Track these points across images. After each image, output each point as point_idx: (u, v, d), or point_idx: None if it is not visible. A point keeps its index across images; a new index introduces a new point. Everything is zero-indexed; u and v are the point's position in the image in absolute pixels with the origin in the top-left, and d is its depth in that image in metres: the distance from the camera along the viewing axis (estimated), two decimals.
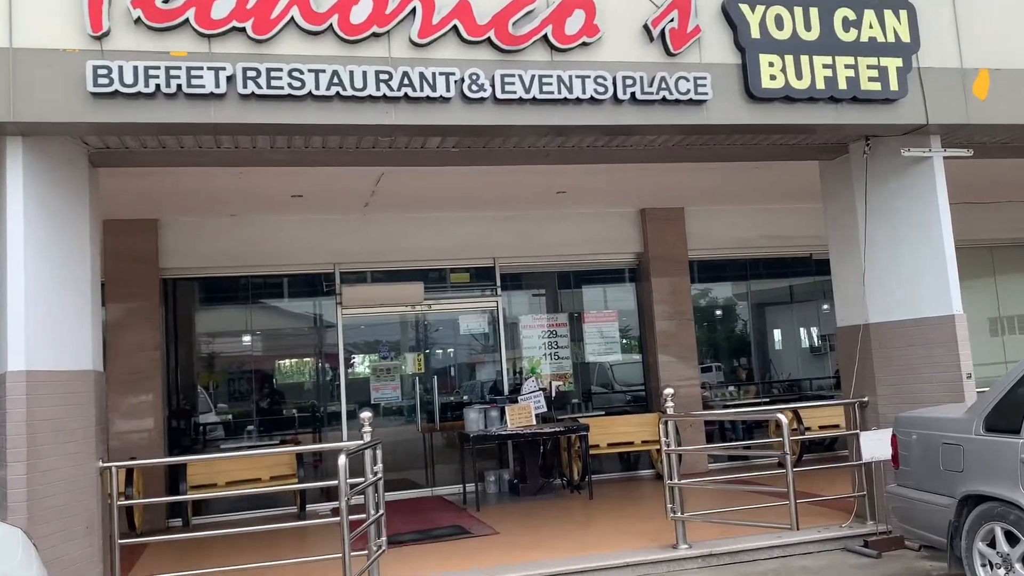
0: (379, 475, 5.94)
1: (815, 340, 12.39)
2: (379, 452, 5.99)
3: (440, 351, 10.74)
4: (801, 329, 12.56)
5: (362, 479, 5.82)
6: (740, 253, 11.32)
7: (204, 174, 7.64)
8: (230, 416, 10.59)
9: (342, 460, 5.12)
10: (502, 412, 9.38)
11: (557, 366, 10.58)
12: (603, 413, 10.83)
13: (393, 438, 10.31)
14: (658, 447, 10.11)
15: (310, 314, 10.37)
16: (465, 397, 10.58)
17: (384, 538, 5.92)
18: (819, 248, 11.75)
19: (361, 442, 5.81)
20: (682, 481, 6.56)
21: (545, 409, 9.56)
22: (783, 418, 5.84)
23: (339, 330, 9.90)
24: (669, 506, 6.45)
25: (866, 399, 6.86)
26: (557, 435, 9.08)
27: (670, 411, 6.62)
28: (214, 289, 10.32)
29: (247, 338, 10.36)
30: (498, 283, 10.46)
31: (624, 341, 11.01)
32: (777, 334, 12.48)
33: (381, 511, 5.93)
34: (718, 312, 12.06)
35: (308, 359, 10.60)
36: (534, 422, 9.31)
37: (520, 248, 10.39)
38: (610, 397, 11.22)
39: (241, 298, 10.23)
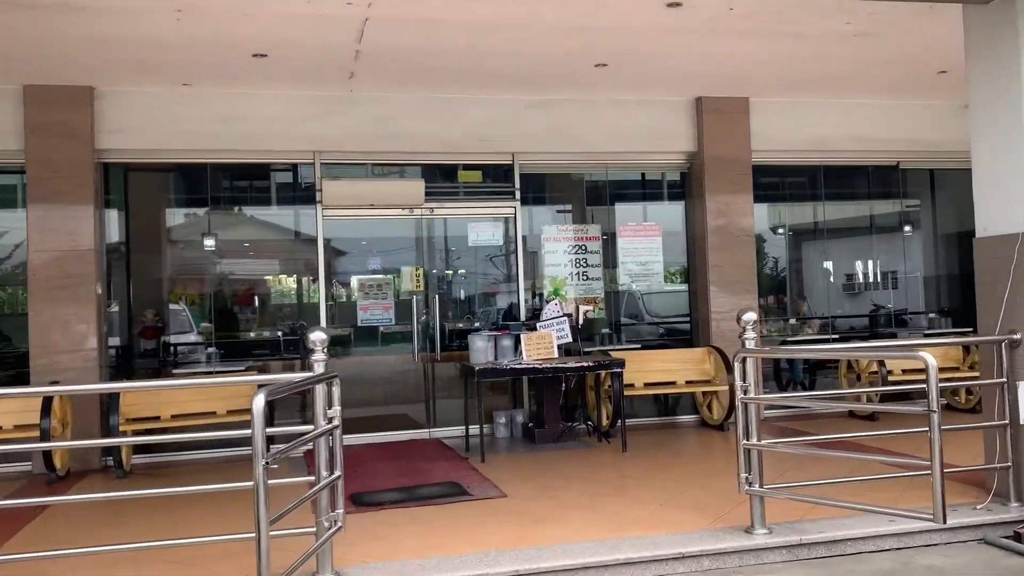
0: (335, 422, 4.17)
1: (902, 270, 10.39)
2: (336, 390, 4.21)
3: (443, 267, 8.89)
4: (877, 259, 10.55)
5: (312, 428, 4.07)
6: (815, 158, 9.27)
7: (138, 15, 5.75)
8: (199, 337, 8.94)
9: (258, 403, 3.32)
10: (517, 341, 7.57)
11: (585, 289, 8.71)
12: (639, 347, 9.01)
13: (386, 369, 8.58)
14: (705, 389, 8.33)
15: (286, 213, 8.55)
16: (476, 324, 8.78)
17: (340, 511, 4.17)
18: (911, 155, 9.84)
19: (299, 376, 4.01)
20: (763, 443, 4.74)
21: (570, 339, 7.74)
22: (930, 359, 3.95)
23: (319, 236, 8.06)
24: (744, 476, 4.64)
25: (1018, 336, 4.96)
26: (586, 371, 7.25)
27: (750, 344, 4.75)
28: (167, 179, 8.49)
29: (209, 243, 8.55)
30: (517, 185, 8.53)
31: (667, 262, 9.10)
32: (848, 264, 10.48)
33: (337, 473, 4.17)
34: (779, 230, 10.07)
35: (283, 273, 8.82)
36: (556, 355, 7.50)
37: (545, 142, 8.42)
38: (643, 330, 9.36)
39: (199, 193, 8.41)
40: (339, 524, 4.14)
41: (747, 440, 4.65)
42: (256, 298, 9.26)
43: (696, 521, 4.91)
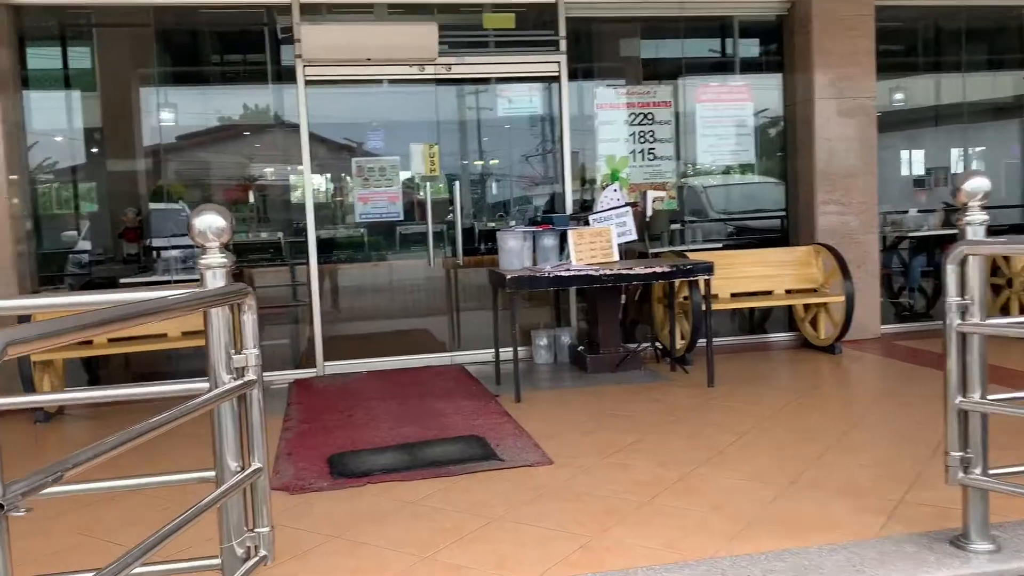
0: (249, 376, 2.34)
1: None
2: (251, 316, 2.37)
3: (465, 144, 6.90)
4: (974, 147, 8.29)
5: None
6: None
7: None
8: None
9: None
10: (563, 241, 5.66)
11: (651, 172, 6.69)
12: (720, 247, 7.03)
13: (395, 277, 6.75)
14: (814, 300, 6.38)
15: (257, 71, 6.60)
16: (512, 223, 6.86)
17: (264, 529, 2.37)
18: None
19: (154, 296, 2.14)
20: (998, 401, 2.80)
21: (633, 236, 5.80)
22: None
23: (300, 102, 6.11)
24: (956, 455, 2.74)
25: None
26: (664, 279, 5.32)
27: (977, 232, 2.74)
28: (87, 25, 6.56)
29: (166, 117, 6.67)
30: (562, 33, 6.43)
31: (757, 138, 7.00)
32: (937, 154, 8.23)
33: (255, 466, 2.36)
34: (897, 96, 7.84)
35: (257, 158, 6.93)
36: (616, 257, 5.57)
37: None
38: (710, 229, 7.32)
39: (139, 45, 6.47)
40: (262, 553, 2.35)
41: (966, 396, 2.72)
42: (252, 194, 7.47)
43: (857, 520, 3.06)
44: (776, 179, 7.33)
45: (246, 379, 2.33)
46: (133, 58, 6.67)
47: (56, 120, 6.82)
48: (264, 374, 2.45)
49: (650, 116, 6.65)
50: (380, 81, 6.47)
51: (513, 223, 6.59)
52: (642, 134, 6.64)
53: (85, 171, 6.98)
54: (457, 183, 6.46)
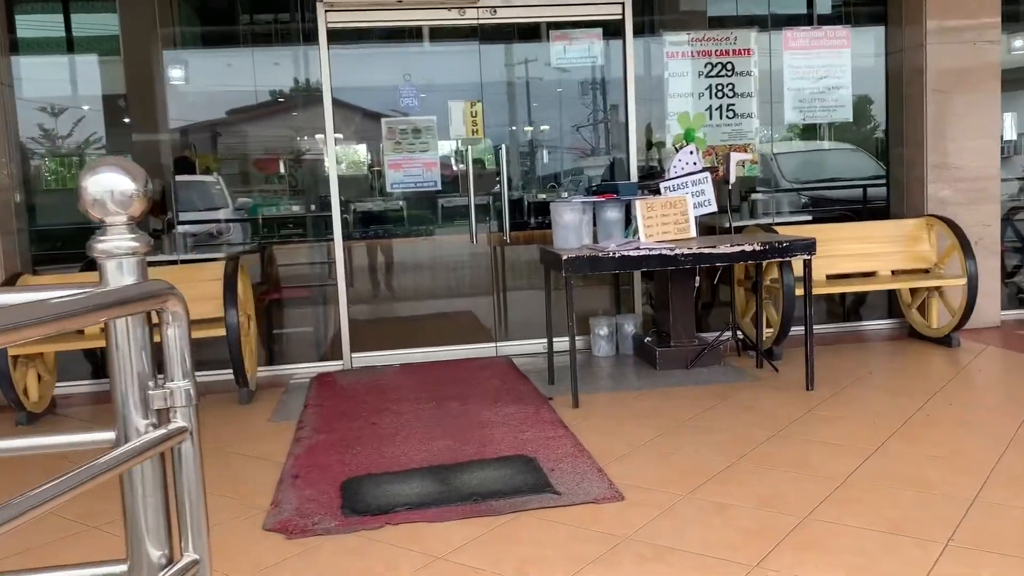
0: (182, 418, 1.52)
1: None
2: (180, 331, 1.54)
3: (512, 101, 6.00)
4: None
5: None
6: None
7: None
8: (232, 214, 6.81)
9: None
10: (627, 214, 4.76)
11: (732, 132, 5.71)
12: (810, 220, 6.05)
13: (432, 255, 5.95)
14: (926, 283, 5.38)
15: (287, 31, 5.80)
16: (564, 193, 5.99)
17: None
18: None
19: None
20: None
21: (713, 208, 4.87)
22: None
23: (323, 54, 5.29)
24: None
25: None
26: (754, 259, 4.37)
27: None
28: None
29: (178, 74, 5.93)
30: None
31: (852, 93, 5.96)
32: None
33: (191, 556, 1.54)
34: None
35: (289, 125, 6.15)
36: (694, 233, 4.65)
37: None
38: (782, 200, 6.31)
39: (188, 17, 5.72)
40: None
41: None
42: (281, 164, 6.77)
43: None
44: (875, 140, 6.31)
45: (172, 427, 1.51)
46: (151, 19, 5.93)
47: (71, 86, 6.15)
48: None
49: (729, 67, 5.66)
50: (414, 33, 5.60)
51: (565, 193, 5.70)
52: (719, 88, 5.66)
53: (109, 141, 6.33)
54: (504, 148, 5.57)
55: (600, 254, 4.22)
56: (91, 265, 4.89)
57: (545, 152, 6.26)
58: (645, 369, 5.03)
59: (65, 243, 6.05)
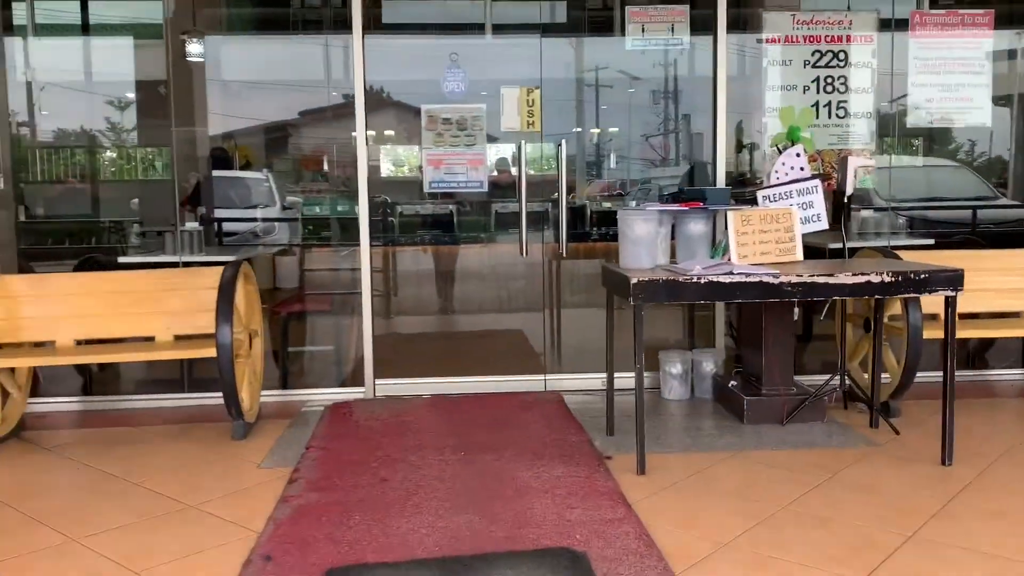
0: None
1: None
2: None
3: (573, 92, 5.10)
4: None
5: None
6: None
7: None
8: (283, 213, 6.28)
9: None
10: (712, 232, 3.82)
11: (841, 134, 4.71)
12: (931, 244, 5.01)
13: (475, 267, 5.11)
14: None
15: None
16: (633, 203, 5.09)
17: None
18: None
19: None
20: None
21: (824, 225, 3.88)
22: None
23: (355, 43, 4.49)
24: None
25: None
26: (884, 294, 3.35)
27: None
28: None
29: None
30: None
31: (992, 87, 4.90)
32: None
33: None
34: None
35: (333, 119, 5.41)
36: (800, 256, 3.68)
37: None
38: (879, 221, 5.24)
39: None
40: None
41: None
42: (326, 161, 6.12)
43: None
44: (987, 155, 5.25)
45: None
46: None
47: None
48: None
49: (841, 56, 4.67)
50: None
51: (633, 203, 4.78)
52: (828, 81, 4.67)
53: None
54: (563, 144, 4.67)
55: (681, 278, 3.28)
56: (86, 264, 4.03)
57: (612, 155, 5.36)
58: (728, 421, 4.06)
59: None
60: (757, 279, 3.26)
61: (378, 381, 4.66)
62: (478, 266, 5.24)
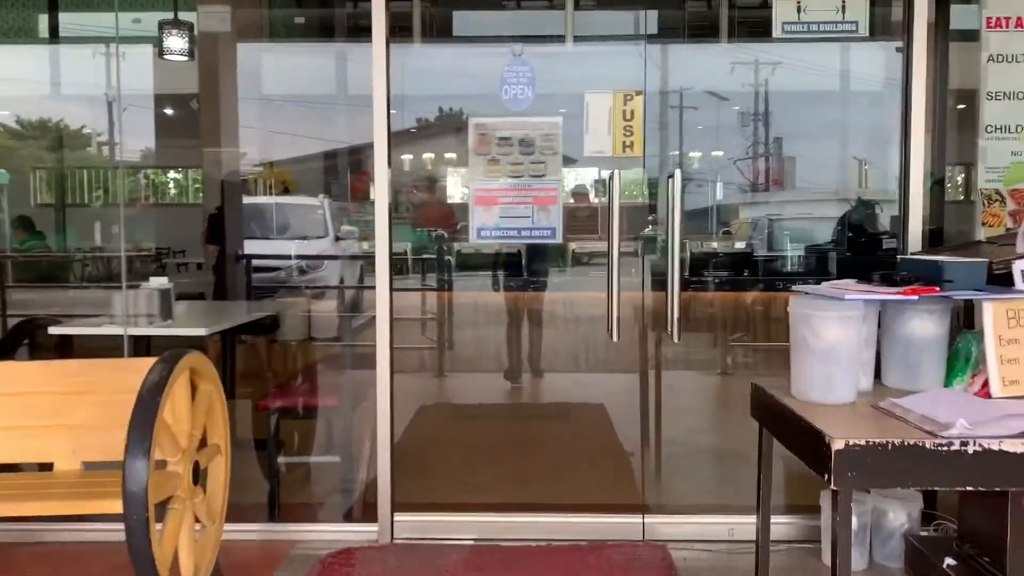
0: None
1: None
2: None
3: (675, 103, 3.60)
4: None
5: None
6: None
7: None
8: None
9: None
10: (948, 336, 2.23)
11: None
12: None
13: (538, 350, 3.61)
14: None
15: None
16: (792, 265, 3.57)
17: None
18: None
19: None
20: None
21: None
22: None
23: (376, 51, 3.09)
24: None
25: None
26: None
27: None
28: None
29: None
30: None
31: None
32: None
33: None
34: None
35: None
36: None
37: None
38: None
39: None
40: None
41: None
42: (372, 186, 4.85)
43: None
44: None
45: None
46: None
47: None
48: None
49: None
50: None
51: (792, 260, 3.24)
52: None
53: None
54: (676, 176, 3.15)
55: (929, 443, 1.73)
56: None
57: (743, 191, 3.84)
58: None
59: None
60: None
61: (397, 517, 3.21)
62: (548, 343, 3.76)
